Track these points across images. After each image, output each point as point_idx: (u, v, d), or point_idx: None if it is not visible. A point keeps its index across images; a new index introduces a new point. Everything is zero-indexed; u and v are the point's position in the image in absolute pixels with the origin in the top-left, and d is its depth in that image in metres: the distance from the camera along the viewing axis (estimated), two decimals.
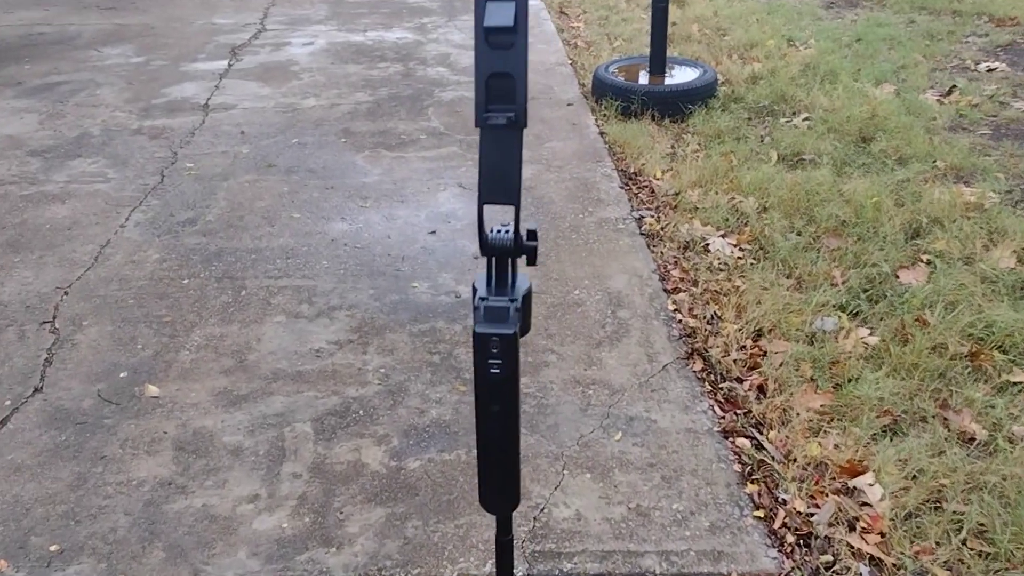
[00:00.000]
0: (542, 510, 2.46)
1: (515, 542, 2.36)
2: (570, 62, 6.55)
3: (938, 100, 5.54)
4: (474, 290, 0.92)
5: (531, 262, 0.93)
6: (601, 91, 5.49)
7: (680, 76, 5.58)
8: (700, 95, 5.38)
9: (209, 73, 6.32)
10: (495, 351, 0.91)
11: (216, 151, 4.92)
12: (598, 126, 5.27)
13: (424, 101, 5.68)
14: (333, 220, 4.12)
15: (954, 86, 5.70)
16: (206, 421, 2.82)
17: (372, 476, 2.59)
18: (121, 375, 3.05)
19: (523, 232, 0.99)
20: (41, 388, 2.98)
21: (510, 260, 0.97)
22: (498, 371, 0.93)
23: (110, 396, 2.94)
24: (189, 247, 3.88)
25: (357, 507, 2.48)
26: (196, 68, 6.45)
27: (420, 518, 2.44)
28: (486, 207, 1.00)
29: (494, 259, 0.99)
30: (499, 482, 1.24)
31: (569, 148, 4.95)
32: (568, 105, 5.62)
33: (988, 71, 5.99)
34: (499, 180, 0.91)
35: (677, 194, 4.35)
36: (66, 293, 3.53)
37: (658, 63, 5.58)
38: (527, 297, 0.92)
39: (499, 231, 0.93)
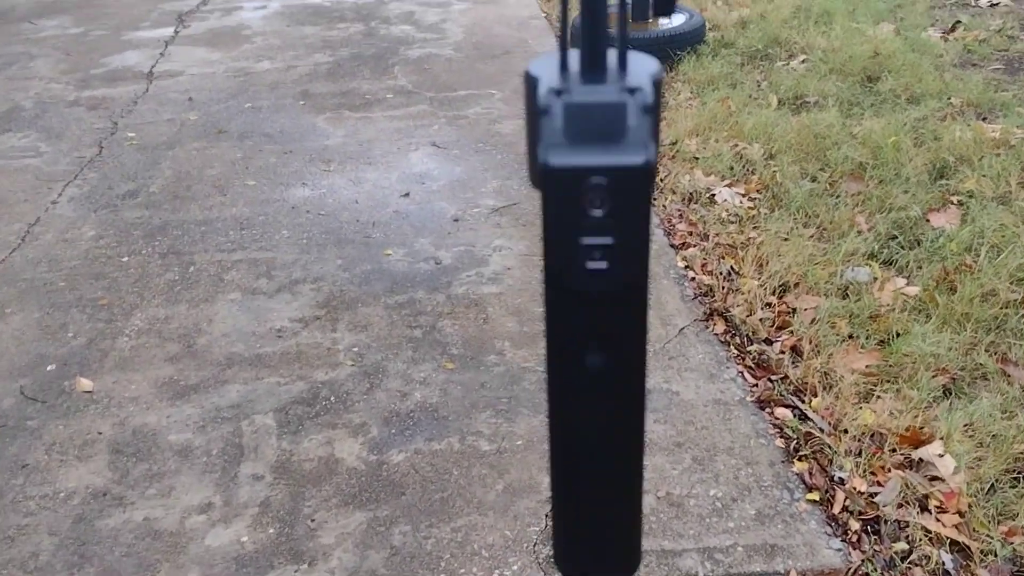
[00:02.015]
0: None
1: (525, 545, 1.95)
2: (544, 15, 6.10)
3: (942, 37, 5.16)
4: (530, 78, 0.36)
5: (666, 7, 0.37)
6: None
7: (665, 22, 5.15)
8: (688, 41, 4.96)
9: (154, 41, 5.81)
10: (598, 212, 0.32)
11: (161, 119, 4.44)
12: None
13: (389, 60, 5.22)
14: (293, 186, 3.67)
15: (958, 22, 5.33)
16: (148, 418, 2.38)
17: (348, 474, 2.17)
18: (48, 368, 2.59)
19: None
20: None
21: (617, 2, 0.37)
22: (606, 268, 0.33)
23: (35, 393, 2.49)
24: (129, 222, 3.41)
25: (332, 512, 2.06)
26: (139, 36, 5.93)
27: (408, 522, 2.02)
28: None
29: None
30: (601, 526, 0.51)
31: None
32: None
33: (991, 5, 5.62)
34: None
35: (674, 144, 3.94)
36: None
37: (641, 9, 5.14)
38: (659, 85, 0.33)
39: None
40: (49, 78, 5.16)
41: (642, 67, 0.35)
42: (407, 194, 3.57)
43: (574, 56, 0.34)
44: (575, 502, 0.38)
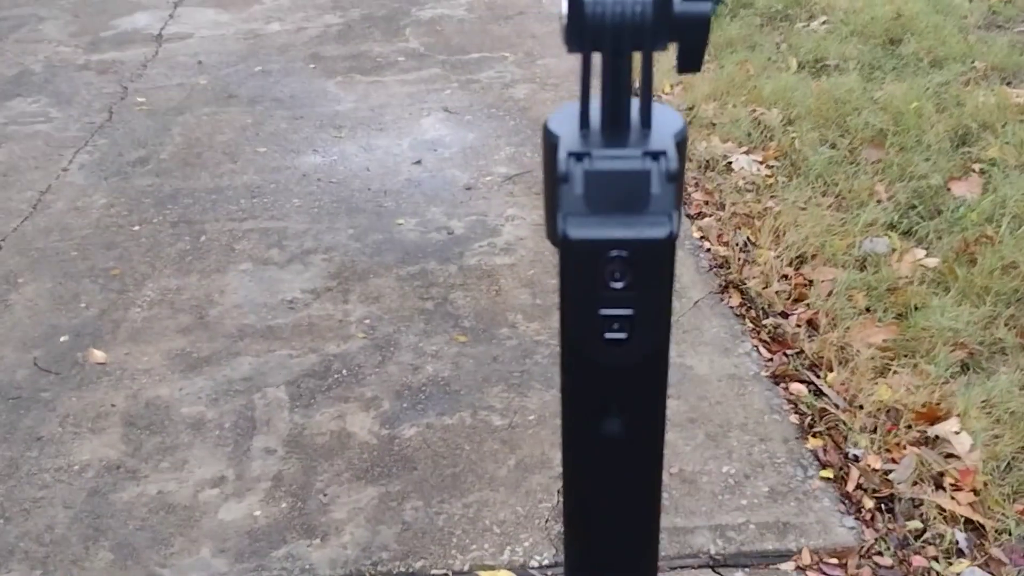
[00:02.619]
0: None
1: (537, 522, 1.94)
2: None
3: None
4: (549, 135, 0.33)
5: (693, 64, 0.30)
6: None
7: None
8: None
9: (162, 2, 5.74)
10: (618, 284, 0.31)
11: (171, 84, 4.40)
12: None
13: (400, 21, 5.14)
14: (304, 153, 3.64)
15: None
16: (161, 390, 2.38)
17: (360, 448, 2.17)
18: (62, 339, 2.59)
19: None
20: None
21: (641, 56, 0.33)
22: (625, 339, 0.33)
23: (48, 364, 2.50)
24: (140, 189, 3.39)
25: (344, 487, 2.06)
26: None
27: (420, 497, 2.02)
28: None
29: (600, 55, 0.34)
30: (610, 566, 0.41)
31: (564, 65, 4.44)
32: (560, 19, 5.09)
33: None
34: None
35: (691, 109, 3.87)
36: None
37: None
38: (683, 146, 0.32)
39: None
40: (58, 41, 5.12)
41: (666, 124, 0.32)
42: (419, 161, 3.53)
43: (595, 106, 0.32)
44: (589, 565, 0.36)
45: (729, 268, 2.78)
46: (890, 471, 2.05)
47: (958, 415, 2.15)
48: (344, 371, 2.42)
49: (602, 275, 0.29)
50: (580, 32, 0.30)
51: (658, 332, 0.29)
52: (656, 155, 0.29)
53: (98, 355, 2.52)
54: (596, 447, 0.32)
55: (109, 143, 3.79)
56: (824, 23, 4.77)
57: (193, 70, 4.55)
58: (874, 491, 2.00)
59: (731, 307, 2.62)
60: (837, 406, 2.22)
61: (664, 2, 0.29)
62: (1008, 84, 3.97)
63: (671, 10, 0.29)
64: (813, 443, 2.13)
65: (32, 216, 3.24)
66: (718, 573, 1.83)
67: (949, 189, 3.17)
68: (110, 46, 4.97)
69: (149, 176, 3.49)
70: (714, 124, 3.72)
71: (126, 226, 3.15)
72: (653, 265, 0.28)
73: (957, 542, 1.88)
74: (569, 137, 0.31)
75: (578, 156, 0.30)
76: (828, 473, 2.05)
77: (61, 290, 2.82)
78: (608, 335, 0.30)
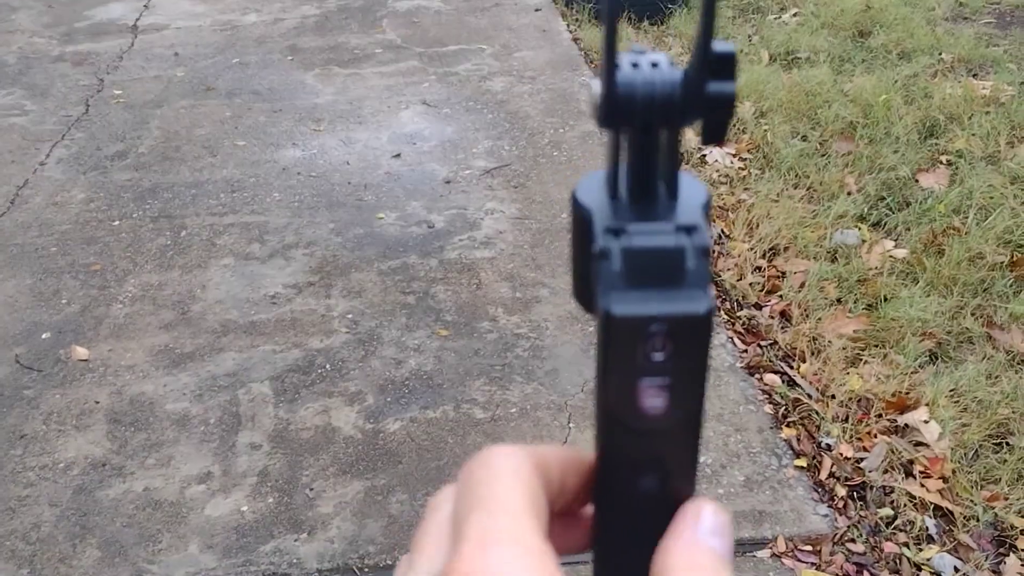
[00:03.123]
0: None
1: None
2: None
3: None
4: (580, 208, 0.33)
5: (718, 137, 0.32)
6: None
7: None
8: None
9: None
10: (659, 356, 0.31)
11: (147, 76, 4.38)
12: (570, 32, 4.78)
13: (377, 12, 5.14)
14: (283, 147, 3.65)
15: None
16: (145, 386, 2.40)
17: (345, 442, 2.20)
18: (43, 336, 2.60)
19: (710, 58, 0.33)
20: None
21: (671, 133, 0.34)
22: (664, 405, 0.32)
23: (31, 362, 2.51)
24: (119, 184, 3.39)
25: (330, 481, 2.09)
26: None
27: (405, 491, 2.06)
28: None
29: (630, 133, 0.34)
30: None
31: (541, 57, 4.47)
32: (536, 11, 5.11)
33: None
34: None
35: None
36: None
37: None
38: (708, 218, 0.33)
39: (639, 61, 0.33)
40: (32, 31, 5.07)
41: (692, 195, 0.34)
42: (398, 155, 3.55)
43: (621, 176, 0.34)
44: None
45: None
46: (862, 459, 2.11)
47: (927, 404, 2.22)
48: (328, 366, 2.45)
49: (643, 348, 0.32)
50: (612, 111, 0.33)
51: (696, 397, 0.32)
52: (689, 229, 0.32)
53: (81, 352, 2.54)
54: (632, 502, 0.35)
55: (86, 136, 3.77)
56: (795, 15, 4.83)
57: (170, 62, 4.53)
58: (846, 479, 2.06)
59: None
60: (810, 396, 2.29)
61: (693, 83, 0.32)
62: (974, 76, 4.05)
63: (700, 90, 0.32)
64: (787, 433, 2.19)
65: (10, 211, 3.23)
66: None
67: (917, 181, 3.24)
68: (85, 37, 4.94)
69: (128, 170, 3.48)
70: None
71: (106, 221, 3.15)
72: (692, 338, 0.31)
73: (927, 528, 1.95)
74: (601, 211, 0.34)
75: (615, 232, 0.33)
76: (802, 462, 2.11)
77: (41, 286, 2.82)
78: (647, 403, 0.33)
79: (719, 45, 0.32)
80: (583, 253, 0.34)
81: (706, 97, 0.32)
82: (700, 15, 0.30)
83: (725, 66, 0.33)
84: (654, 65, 0.33)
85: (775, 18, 4.85)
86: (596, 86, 0.33)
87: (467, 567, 0.27)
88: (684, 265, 0.32)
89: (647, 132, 0.33)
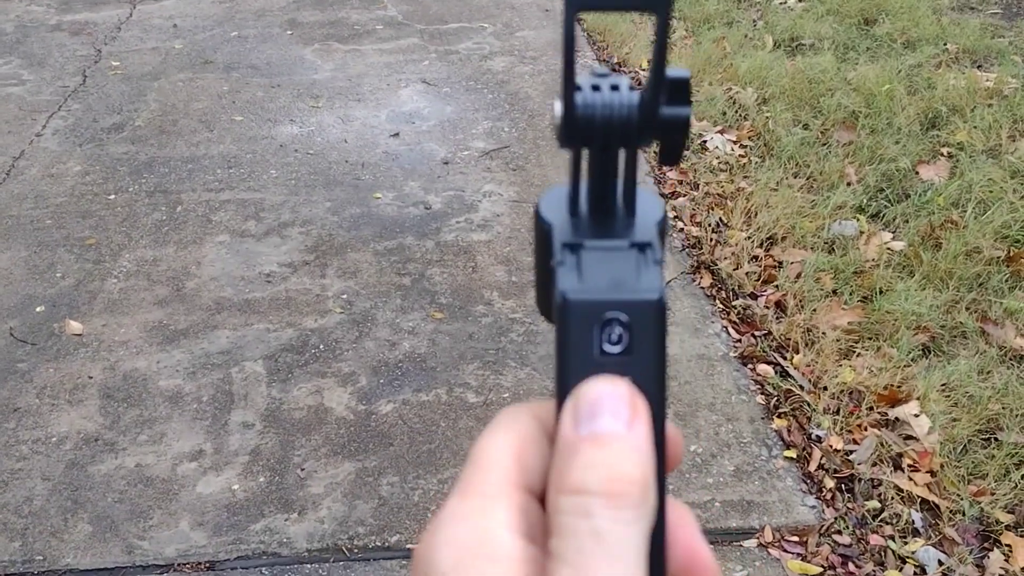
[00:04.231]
0: None
1: None
2: None
3: None
4: (541, 222, 0.35)
5: (674, 159, 0.33)
6: None
7: None
8: None
9: None
10: (616, 348, 0.32)
11: (145, 47, 4.35)
12: None
13: None
14: (281, 123, 3.63)
15: None
16: (138, 362, 2.40)
17: (337, 423, 2.21)
18: (38, 309, 2.60)
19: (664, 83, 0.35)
20: None
21: (628, 153, 0.36)
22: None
23: (25, 335, 2.51)
24: (115, 157, 3.37)
25: (321, 462, 2.10)
26: None
27: (396, 473, 2.07)
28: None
29: (590, 152, 0.36)
30: None
31: (543, 37, 4.44)
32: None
33: None
34: None
35: None
36: None
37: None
38: (664, 234, 0.35)
39: (599, 84, 0.34)
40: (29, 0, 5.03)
41: (649, 212, 0.36)
42: (397, 134, 3.54)
43: (583, 191, 0.36)
44: None
45: (701, 248, 2.84)
46: (851, 452, 2.12)
47: (918, 398, 2.23)
48: (321, 346, 2.45)
49: (599, 337, 0.33)
50: (572, 132, 0.34)
51: (654, 391, 0.33)
52: (643, 247, 0.33)
53: (75, 326, 2.53)
54: None
55: (83, 108, 3.75)
56: (801, 0, 4.80)
57: (168, 33, 4.50)
58: (835, 471, 2.07)
59: (702, 288, 2.67)
60: (802, 387, 2.29)
61: (649, 106, 0.33)
62: (979, 67, 4.03)
63: (656, 114, 0.33)
64: (778, 423, 2.20)
65: (6, 183, 3.22)
66: None
67: (917, 173, 3.23)
68: (83, 6, 4.90)
69: (124, 143, 3.47)
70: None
71: (101, 195, 3.14)
72: (647, 329, 0.32)
73: (913, 522, 1.96)
74: (561, 226, 0.35)
75: (572, 247, 0.34)
76: (791, 453, 2.12)
77: (36, 259, 2.81)
78: None
79: (673, 71, 0.33)
80: (544, 266, 0.35)
81: (661, 120, 0.33)
82: (654, 43, 0.31)
83: (679, 91, 0.34)
84: (614, 88, 0.34)
85: (780, 3, 4.82)
86: (558, 107, 0.34)
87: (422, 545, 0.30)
88: (638, 271, 0.33)
89: (606, 152, 0.34)
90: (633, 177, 0.35)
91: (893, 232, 2.93)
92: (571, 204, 0.35)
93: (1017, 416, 2.18)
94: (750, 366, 2.38)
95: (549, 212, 0.35)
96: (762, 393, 2.30)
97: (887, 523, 1.96)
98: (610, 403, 0.30)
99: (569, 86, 0.33)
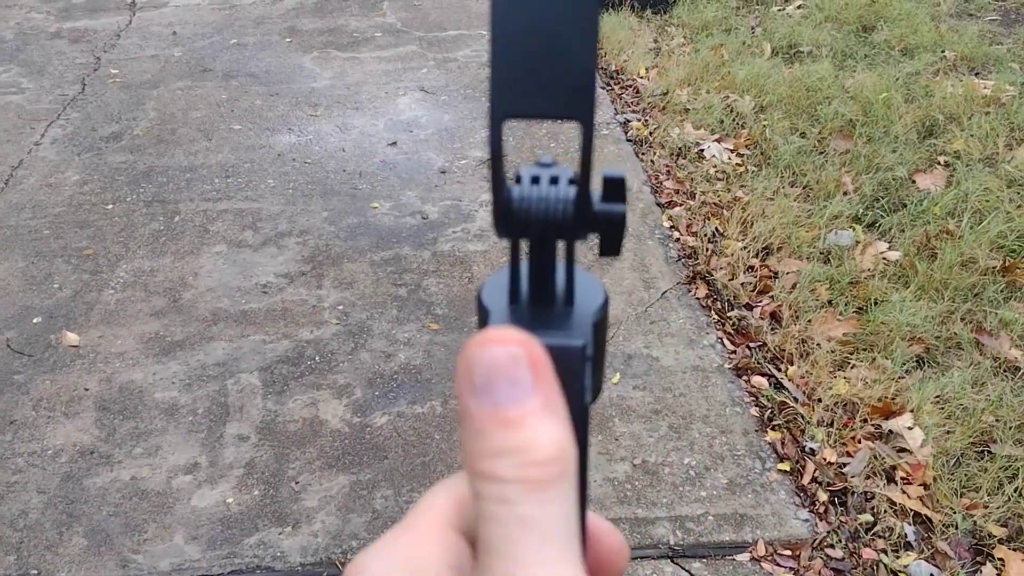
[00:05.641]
0: None
1: None
2: None
3: None
4: (481, 309, 0.35)
5: (613, 251, 0.33)
6: None
7: None
8: None
9: None
10: None
11: (144, 55, 4.36)
12: None
13: None
14: (279, 132, 3.64)
15: None
16: (134, 374, 2.41)
17: (332, 436, 2.21)
18: (34, 320, 2.61)
19: (596, 185, 0.36)
20: None
21: (564, 246, 0.36)
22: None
23: (21, 346, 2.51)
24: (114, 166, 3.39)
25: (315, 475, 2.11)
26: None
27: (391, 486, 2.08)
28: (507, 127, 0.35)
29: (528, 243, 0.36)
30: None
31: None
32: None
33: None
34: (545, 63, 0.30)
35: (665, 94, 3.90)
36: None
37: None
38: (600, 325, 0.35)
39: (539, 177, 0.34)
40: (30, 6, 5.05)
41: (588, 301, 0.36)
42: (394, 143, 3.54)
43: (523, 276, 0.36)
44: None
45: (697, 259, 2.84)
46: (844, 464, 2.12)
47: (912, 410, 2.23)
48: (317, 357, 2.45)
49: None
50: (508, 224, 0.35)
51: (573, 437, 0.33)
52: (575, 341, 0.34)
53: (71, 337, 2.54)
54: None
55: (82, 117, 3.76)
56: (799, 7, 4.80)
57: (167, 41, 4.51)
58: (828, 484, 2.07)
59: (698, 298, 2.68)
60: (796, 400, 2.30)
61: (583, 203, 0.34)
62: (976, 75, 4.03)
63: (590, 210, 0.34)
64: (772, 436, 2.20)
65: (4, 192, 3.23)
66: (677, 564, 1.90)
67: (914, 182, 3.23)
68: (83, 13, 4.91)
69: (123, 152, 3.48)
70: (687, 110, 3.75)
71: (99, 204, 3.15)
72: (571, 371, 0.33)
73: (906, 535, 1.96)
74: (499, 315, 0.35)
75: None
76: (785, 466, 2.12)
77: (34, 270, 2.82)
78: None
79: (609, 172, 0.34)
80: None
81: (596, 217, 0.34)
82: (581, 149, 0.32)
83: (614, 190, 0.34)
84: (553, 180, 0.34)
85: (779, 10, 4.82)
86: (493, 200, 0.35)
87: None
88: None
89: (543, 244, 0.35)
90: (571, 268, 0.35)
91: (889, 242, 2.93)
92: (511, 291, 0.36)
93: (1011, 428, 2.18)
94: (744, 378, 2.38)
95: (490, 298, 0.36)
96: (756, 405, 2.30)
97: (880, 537, 1.96)
98: (506, 367, 0.28)
99: (497, 185, 0.34)
